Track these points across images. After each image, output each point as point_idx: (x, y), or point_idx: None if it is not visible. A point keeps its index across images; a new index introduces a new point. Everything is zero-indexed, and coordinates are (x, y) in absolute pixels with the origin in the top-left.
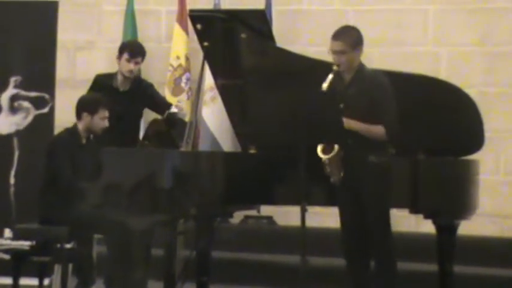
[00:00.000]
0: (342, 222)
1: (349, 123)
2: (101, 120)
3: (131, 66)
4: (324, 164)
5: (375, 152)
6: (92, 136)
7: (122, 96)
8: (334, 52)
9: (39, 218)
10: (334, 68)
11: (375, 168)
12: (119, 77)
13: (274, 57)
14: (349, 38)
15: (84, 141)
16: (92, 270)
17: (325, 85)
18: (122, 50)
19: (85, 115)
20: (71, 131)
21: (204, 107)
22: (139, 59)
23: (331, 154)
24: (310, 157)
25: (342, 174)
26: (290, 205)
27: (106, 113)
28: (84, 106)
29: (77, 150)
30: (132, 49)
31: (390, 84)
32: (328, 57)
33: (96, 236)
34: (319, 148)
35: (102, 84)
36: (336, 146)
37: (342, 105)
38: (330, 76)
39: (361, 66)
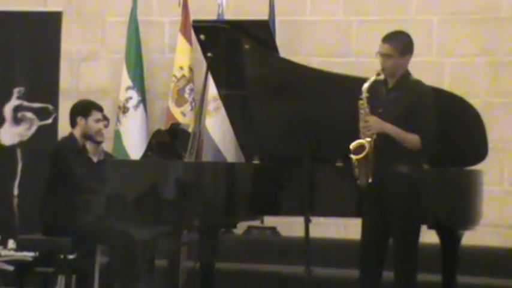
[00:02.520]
0: (363, 230)
1: (386, 126)
2: (95, 122)
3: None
4: (353, 165)
5: (407, 164)
6: (87, 144)
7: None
8: (381, 55)
9: (42, 226)
10: (378, 71)
11: (407, 180)
12: (91, 147)
13: (277, 68)
14: (398, 42)
15: (81, 148)
16: (93, 283)
17: (365, 85)
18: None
19: (79, 119)
20: (70, 138)
21: (208, 118)
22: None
23: (361, 155)
24: (313, 167)
25: (370, 180)
26: (294, 216)
27: (99, 115)
28: (77, 110)
29: (78, 155)
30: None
31: (433, 97)
32: (331, 68)
33: (100, 247)
34: (351, 147)
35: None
36: (367, 147)
37: (380, 110)
38: (372, 78)
39: (406, 74)
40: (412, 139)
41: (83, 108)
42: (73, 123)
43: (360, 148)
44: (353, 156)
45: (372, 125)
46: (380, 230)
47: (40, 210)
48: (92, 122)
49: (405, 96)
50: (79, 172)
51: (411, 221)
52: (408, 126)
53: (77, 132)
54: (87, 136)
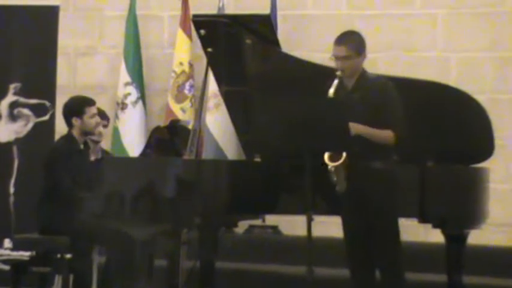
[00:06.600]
0: (345, 231)
1: (357, 128)
2: (91, 118)
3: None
4: (330, 172)
5: (379, 159)
6: (88, 140)
7: None
8: (338, 58)
9: (39, 229)
10: (338, 74)
11: (381, 175)
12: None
13: (279, 63)
14: (353, 42)
15: (82, 146)
16: (91, 283)
17: (331, 91)
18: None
19: (74, 120)
20: (68, 138)
21: (208, 114)
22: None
23: (338, 162)
24: (315, 165)
25: (346, 183)
26: (296, 214)
27: (94, 110)
28: (69, 112)
29: (76, 157)
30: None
31: (395, 88)
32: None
33: (97, 247)
34: (326, 155)
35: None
36: (344, 154)
37: None
38: (335, 82)
39: (364, 72)
40: (386, 135)
41: (75, 108)
42: (69, 125)
43: (336, 154)
44: (330, 163)
45: None
46: (362, 230)
47: (37, 210)
48: (88, 118)
49: (368, 95)
50: (76, 175)
51: (390, 216)
52: (377, 124)
53: (75, 132)
54: (86, 133)
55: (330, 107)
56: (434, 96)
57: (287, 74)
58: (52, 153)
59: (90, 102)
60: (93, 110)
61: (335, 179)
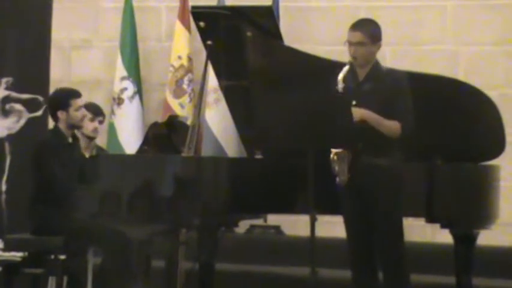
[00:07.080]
0: (348, 230)
1: (362, 113)
2: (77, 111)
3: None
4: (332, 161)
5: (385, 156)
6: (79, 135)
7: None
8: (352, 43)
9: (32, 228)
10: (350, 60)
11: (385, 172)
12: (83, 142)
13: (281, 57)
14: (369, 29)
15: (70, 140)
16: (86, 285)
17: (341, 75)
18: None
19: (60, 113)
20: (55, 132)
21: (207, 110)
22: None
23: (341, 149)
24: (319, 163)
25: (348, 176)
26: (298, 214)
27: (79, 102)
28: (54, 105)
29: (65, 150)
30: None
31: (408, 82)
32: (339, 57)
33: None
34: None
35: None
36: None
37: (354, 103)
38: (346, 68)
39: (377, 63)
40: (392, 125)
41: (61, 102)
42: (55, 119)
43: None
44: (333, 150)
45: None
46: (364, 229)
47: (29, 209)
48: (74, 112)
49: (380, 87)
50: (66, 170)
51: (395, 215)
52: (386, 116)
53: (61, 125)
54: (72, 127)
55: (334, 101)
56: (443, 91)
57: (289, 67)
58: (39, 148)
59: (75, 94)
60: (78, 102)
61: (336, 168)
